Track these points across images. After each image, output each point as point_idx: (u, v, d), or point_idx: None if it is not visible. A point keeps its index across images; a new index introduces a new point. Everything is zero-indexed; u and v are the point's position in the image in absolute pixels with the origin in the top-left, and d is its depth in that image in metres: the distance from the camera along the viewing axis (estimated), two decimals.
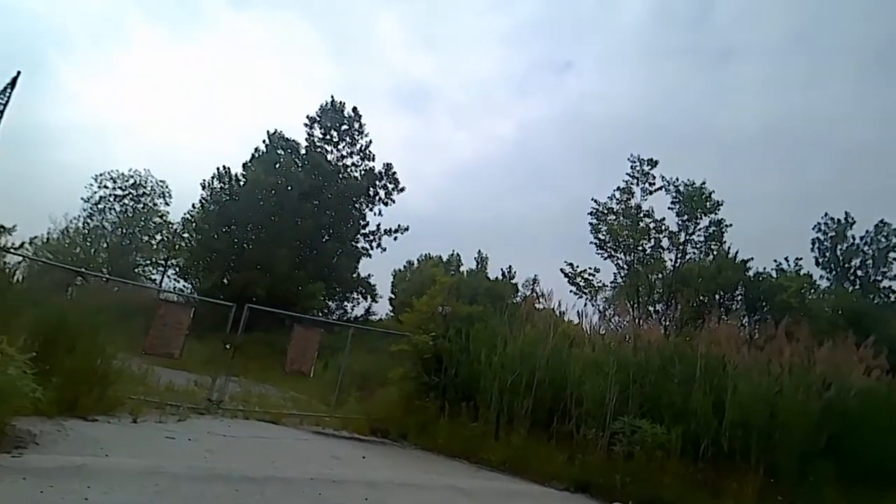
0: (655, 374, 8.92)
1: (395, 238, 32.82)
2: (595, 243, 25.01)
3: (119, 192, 38.38)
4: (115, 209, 38.33)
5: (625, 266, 24.68)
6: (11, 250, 8.26)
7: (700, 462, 7.95)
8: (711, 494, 7.63)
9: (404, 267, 39.04)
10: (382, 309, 33.05)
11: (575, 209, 42.66)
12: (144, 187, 38.85)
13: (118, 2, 51.32)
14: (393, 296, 35.39)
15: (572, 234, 35.79)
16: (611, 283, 25.22)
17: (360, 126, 31.64)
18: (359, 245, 32.17)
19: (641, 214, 24.68)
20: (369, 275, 32.49)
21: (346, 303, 32.27)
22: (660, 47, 51.86)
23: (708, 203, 24.14)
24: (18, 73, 10.32)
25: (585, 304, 22.24)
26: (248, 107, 53.38)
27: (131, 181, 38.51)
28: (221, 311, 11.56)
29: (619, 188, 25.23)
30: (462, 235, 49.55)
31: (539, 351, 9.73)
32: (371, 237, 32.41)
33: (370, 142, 31.77)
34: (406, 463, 8.69)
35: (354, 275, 31.72)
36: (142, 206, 38.83)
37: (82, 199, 37.11)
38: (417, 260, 39.32)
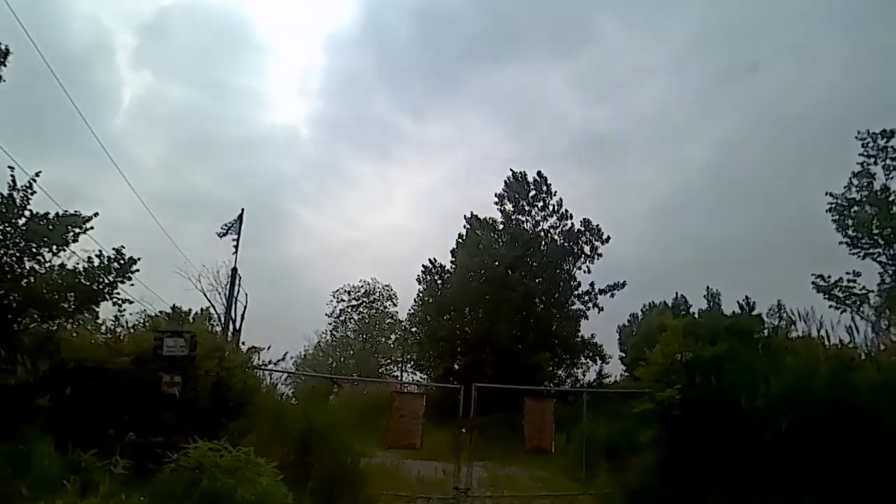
0: None
1: (612, 295, 31.29)
2: (846, 242, 20.86)
3: (354, 302, 43.08)
4: (353, 318, 42.95)
5: (890, 262, 20.06)
6: (262, 366, 9.23)
7: None
8: None
9: (629, 321, 36.89)
10: (615, 370, 31.13)
11: (805, 215, 36.91)
12: (374, 294, 43.15)
13: (329, 143, 59.73)
14: (623, 354, 33.34)
15: (810, 242, 30.69)
16: (878, 285, 20.58)
17: (548, 188, 31.62)
18: (574, 307, 31.23)
19: (892, 197, 20.21)
20: (592, 335, 31.14)
21: (575, 368, 31.07)
22: (854, 16, 44.13)
23: None
24: (242, 210, 12.04)
25: (852, 318, 18.24)
26: (448, 200, 57.01)
27: (362, 290, 43.05)
28: (455, 396, 11.63)
29: (854, 173, 21.13)
30: (685, 276, 45.50)
31: (813, 384, 7.96)
32: (585, 297, 31.31)
33: (561, 200, 31.46)
34: None
35: (578, 339, 30.61)
36: (374, 311, 42.99)
37: (326, 315, 42.25)
38: (641, 311, 36.97)
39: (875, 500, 6.67)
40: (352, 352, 41.75)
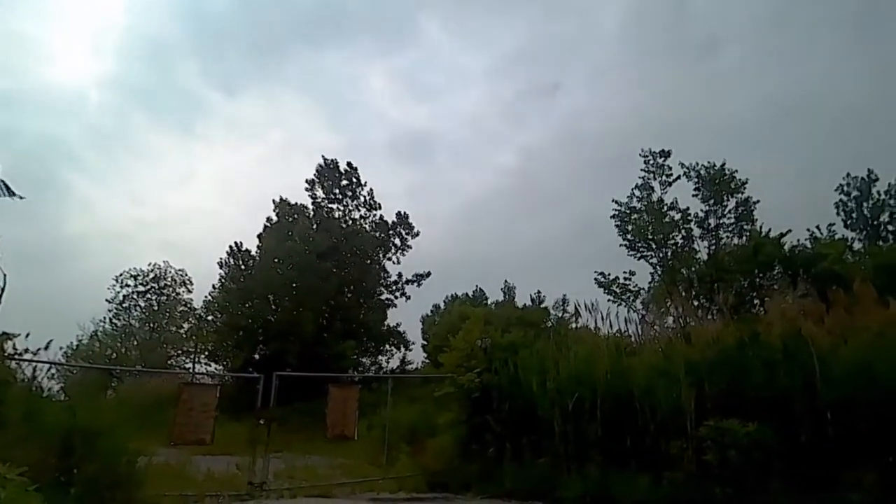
0: (729, 368, 7.99)
1: (419, 285, 32.26)
2: (625, 245, 24.08)
3: (141, 287, 38.63)
4: (139, 305, 38.51)
5: (659, 264, 23.66)
6: (15, 356, 7.70)
7: (806, 455, 6.94)
8: (827, 489, 6.62)
9: (432, 311, 38.36)
10: (417, 357, 32.25)
11: (593, 221, 42.40)
12: (165, 279, 39.12)
13: (121, 110, 52.77)
14: (425, 342, 34.57)
15: (596, 245, 35.48)
16: (649, 283, 24.15)
17: (358, 178, 31.56)
18: (383, 297, 31.62)
19: (665, 208, 23.81)
20: (398, 324, 31.82)
21: (379, 356, 31.45)
22: (642, 52, 51.95)
23: (732, 184, 23.31)
24: None
25: (628, 311, 21.03)
26: (256, 183, 53.98)
27: (151, 275, 38.79)
28: (255, 386, 10.95)
29: (636, 185, 24.52)
30: (486, 271, 49.14)
31: (595, 368, 8.88)
32: (394, 287, 31.87)
33: (371, 191, 31.66)
34: None
35: (384, 327, 31.02)
36: (165, 297, 38.99)
37: (107, 300, 37.34)
38: (444, 302, 38.68)
39: (647, 467, 7.61)
40: (136, 342, 37.41)
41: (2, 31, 45.08)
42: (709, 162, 23.85)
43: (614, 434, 8.14)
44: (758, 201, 23.46)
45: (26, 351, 7.98)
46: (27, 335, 8.33)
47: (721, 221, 23.55)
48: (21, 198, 9.70)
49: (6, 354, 7.82)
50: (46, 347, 8.93)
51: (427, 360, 28.62)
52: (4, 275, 14.40)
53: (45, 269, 38.73)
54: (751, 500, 6.58)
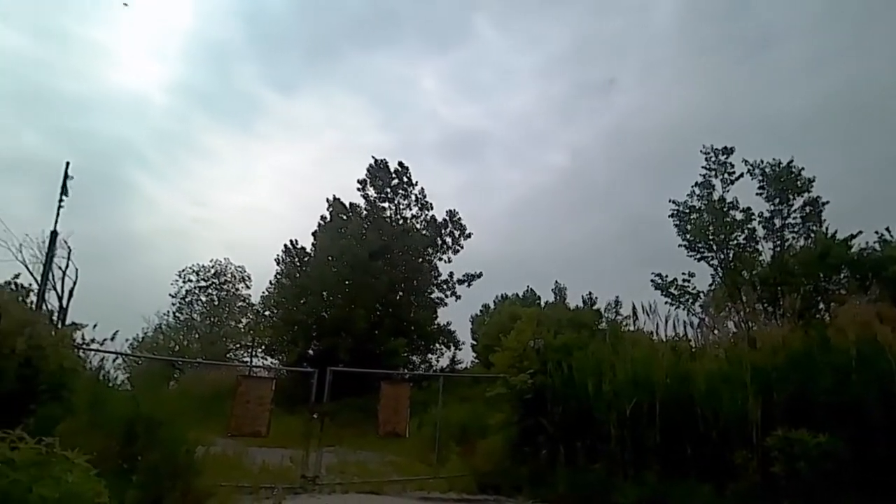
0: (798, 375, 7.55)
1: (469, 285, 32.15)
2: (685, 245, 23.07)
3: (203, 283, 40.06)
4: (201, 300, 39.94)
5: (720, 265, 22.55)
6: (84, 346, 8.04)
7: (881, 467, 6.48)
8: None
9: (481, 311, 38.18)
10: (466, 356, 32.15)
11: (648, 220, 41.27)
12: (225, 275, 40.43)
13: (184, 112, 54.85)
14: (474, 342, 34.43)
15: (651, 245, 34.38)
16: (709, 286, 23.06)
17: (409, 178, 31.78)
18: (433, 296, 31.69)
19: (726, 207, 22.71)
20: (448, 322, 31.78)
21: (429, 355, 31.51)
22: (697, 47, 49.77)
23: (799, 182, 22.05)
24: (67, 164, 10.53)
25: (687, 314, 20.13)
26: (311, 182, 54.94)
27: (212, 271, 40.17)
28: (309, 381, 11.11)
29: (697, 183, 23.43)
30: (535, 271, 48.45)
31: (653, 372, 8.56)
32: (445, 286, 31.90)
33: (423, 190, 31.81)
34: None
35: (434, 326, 31.09)
36: (225, 293, 40.31)
37: (170, 295, 38.91)
38: (493, 302, 38.45)
39: (709, 476, 7.28)
40: (197, 335, 38.86)
41: (77, 39, 47.50)
42: (774, 159, 22.55)
43: (673, 441, 7.84)
44: (827, 202, 22.05)
45: (93, 341, 8.36)
46: (95, 326, 8.74)
47: (787, 222, 22.27)
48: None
49: (76, 344, 8.20)
50: (113, 338, 9.32)
51: (476, 360, 28.51)
52: (77, 269, 15.14)
53: (113, 265, 40.42)
54: None
